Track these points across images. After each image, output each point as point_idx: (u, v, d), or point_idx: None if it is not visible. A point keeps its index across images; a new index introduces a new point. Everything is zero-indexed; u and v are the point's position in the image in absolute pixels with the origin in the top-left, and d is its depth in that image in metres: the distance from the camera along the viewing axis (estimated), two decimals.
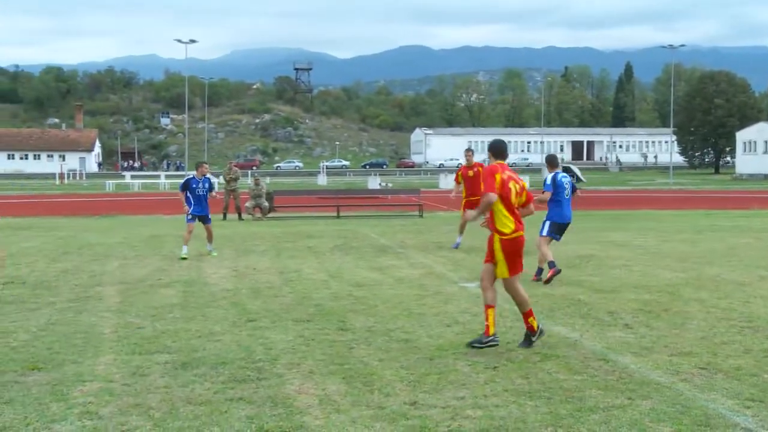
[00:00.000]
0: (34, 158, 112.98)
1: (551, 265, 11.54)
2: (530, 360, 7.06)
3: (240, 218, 25.25)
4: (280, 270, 13.16)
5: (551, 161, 11.97)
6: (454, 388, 6.20)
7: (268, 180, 33.93)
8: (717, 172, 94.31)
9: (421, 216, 25.93)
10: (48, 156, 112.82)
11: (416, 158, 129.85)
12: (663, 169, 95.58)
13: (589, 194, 45.30)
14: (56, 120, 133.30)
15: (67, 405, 5.80)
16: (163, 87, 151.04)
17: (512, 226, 7.37)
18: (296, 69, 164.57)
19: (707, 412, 5.56)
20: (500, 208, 7.34)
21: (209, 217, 15.37)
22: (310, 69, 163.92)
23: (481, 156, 32.82)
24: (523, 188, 7.60)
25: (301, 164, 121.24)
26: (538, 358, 7.10)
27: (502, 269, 7.44)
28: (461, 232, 16.20)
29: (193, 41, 79.93)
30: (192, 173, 15.65)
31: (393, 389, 6.18)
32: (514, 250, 7.41)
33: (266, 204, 26.39)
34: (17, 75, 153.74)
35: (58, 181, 72.98)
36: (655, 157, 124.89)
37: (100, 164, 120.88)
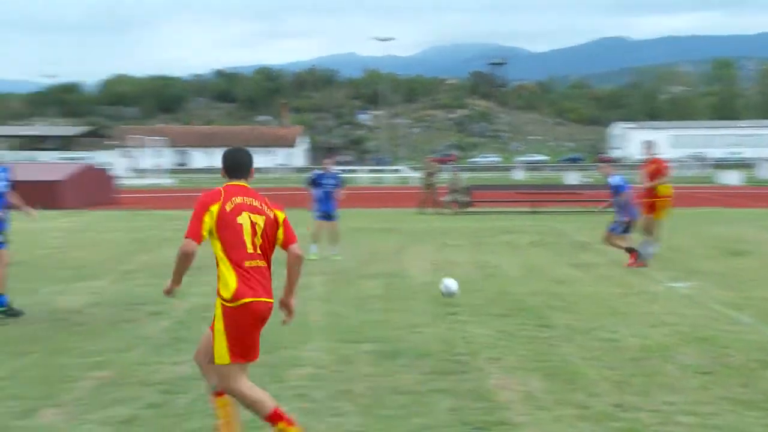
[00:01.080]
0: None
1: (631, 250, 12.85)
2: (748, 366, 6.63)
3: (438, 213, 25.57)
4: (478, 264, 13.19)
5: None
6: (663, 391, 5.95)
7: (465, 175, 34.10)
8: None
9: None
10: (259, 151, 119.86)
11: (615, 153, 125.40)
12: None
13: None
14: (265, 117, 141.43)
15: (282, 387, 6.17)
16: (362, 84, 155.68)
17: (233, 285, 4.66)
18: (491, 64, 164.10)
19: None
20: (221, 257, 4.74)
21: (334, 214, 14.46)
22: (505, 63, 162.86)
23: (683, 152, 30.83)
24: (273, 224, 4.90)
25: (499, 159, 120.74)
26: (757, 365, 6.66)
27: (220, 349, 4.72)
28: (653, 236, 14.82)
29: (390, 39, 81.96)
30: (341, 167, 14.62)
31: (598, 389, 6.03)
32: (241, 325, 4.72)
33: (463, 198, 26.55)
34: (232, 76, 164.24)
35: (272, 175, 77.31)
36: None
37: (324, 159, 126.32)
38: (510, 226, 20.40)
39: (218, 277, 4.73)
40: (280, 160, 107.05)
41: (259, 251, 4.79)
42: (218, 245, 4.74)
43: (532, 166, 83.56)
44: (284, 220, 4.96)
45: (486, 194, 29.73)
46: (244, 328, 4.72)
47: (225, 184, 4.92)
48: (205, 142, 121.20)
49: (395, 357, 7.06)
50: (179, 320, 8.73)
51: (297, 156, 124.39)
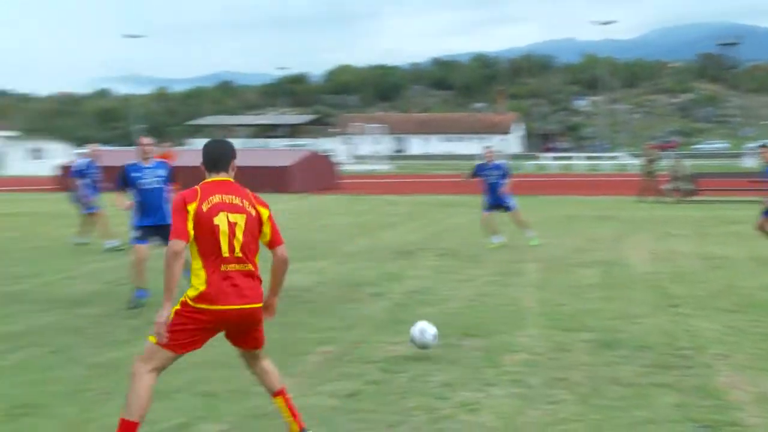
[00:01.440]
0: (462, 140, 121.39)
1: None
2: None
3: (658, 201, 24.46)
4: (702, 255, 12.52)
5: None
6: None
7: (688, 162, 32.17)
8: None
9: None
10: (474, 138, 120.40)
11: None
12: None
13: None
14: (481, 104, 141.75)
15: (498, 371, 6.22)
16: (580, 69, 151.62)
17: (202, 286, 4.34)
18: (721, 44, 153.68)
19: None
20: (196, 257, 4.42)
21: (508, 205, 13.96)
22: (737, 43, 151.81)
23: None
24: (257, 221, 4.54)
25: (727, 145, 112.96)
26: None
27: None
28: None
29: (611, 22, 79.06)
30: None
31: None
32: (192, 327, 4.36)
33: (686, 186, 25.22)
34: (449, 64, 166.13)
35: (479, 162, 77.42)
36: None
37: (550, 148, 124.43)
38: (739, 216, 19.13)
39: (192, 271, 4.40)
40: (494, 147, 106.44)
41: (238, 253, 4.41)
42: (194, 246, 4.39)
43: None
44: (269, 217, 4.60)
45: (712, 182, 27.97)
46: (195, 330, 4.36)
47: (202, 182, 4.51)
48: (422, 129, 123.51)
49: (614, 347, 6.89)
50: (398, 302, 9.04)
51: (512, 143, 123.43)
